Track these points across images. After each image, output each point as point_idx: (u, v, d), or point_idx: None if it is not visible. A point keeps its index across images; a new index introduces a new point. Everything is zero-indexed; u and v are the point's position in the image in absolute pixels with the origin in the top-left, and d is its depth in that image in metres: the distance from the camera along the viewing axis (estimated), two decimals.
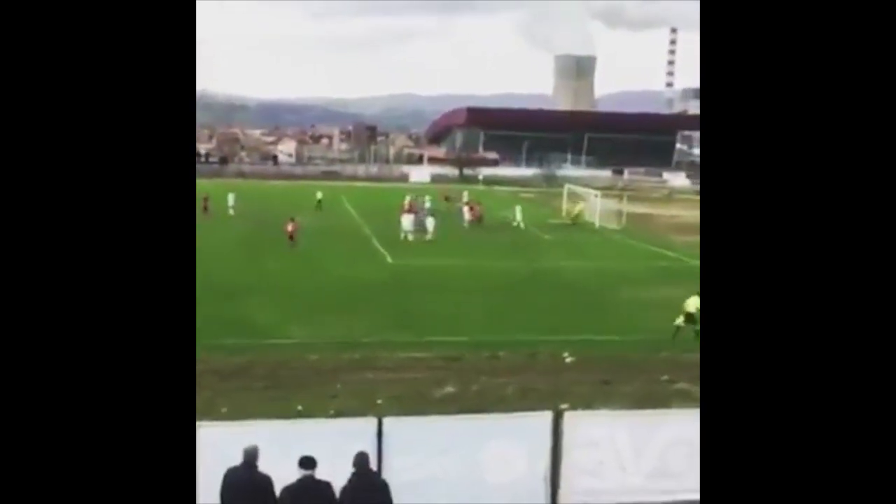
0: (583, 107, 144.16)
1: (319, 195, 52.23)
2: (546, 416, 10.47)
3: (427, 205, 46.43)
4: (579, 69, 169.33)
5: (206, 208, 42.57)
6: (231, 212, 46.64)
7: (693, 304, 20.02)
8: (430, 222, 38.61)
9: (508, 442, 10.14)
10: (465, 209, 45.87)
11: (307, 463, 7.91)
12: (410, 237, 38.07)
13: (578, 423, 10.50)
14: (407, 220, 38.81)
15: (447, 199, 50.82)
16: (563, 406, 12.52)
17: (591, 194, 51.40)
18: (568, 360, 18.72)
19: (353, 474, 8.12)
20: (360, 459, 8.20)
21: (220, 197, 47.61)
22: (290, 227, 34.94)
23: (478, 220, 44.90)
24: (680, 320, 20.40)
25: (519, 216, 45.56)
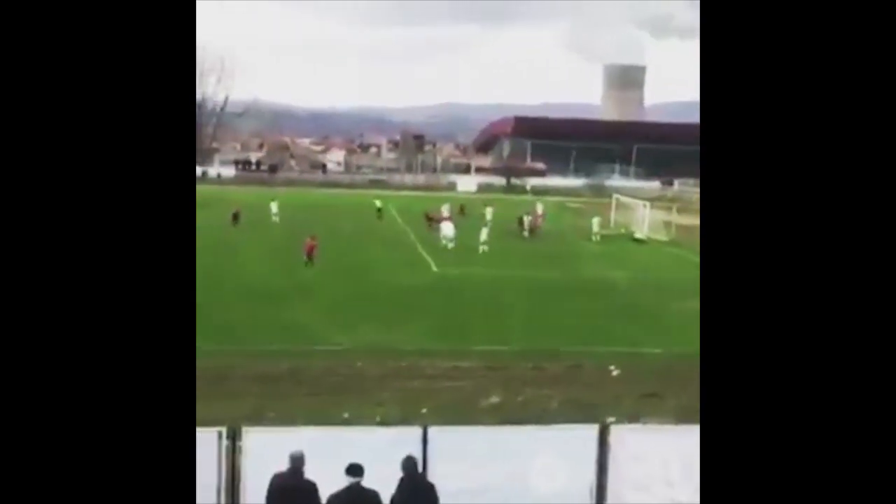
0: (631, 117, 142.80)
1: (379, 203, 53.12)
2: (592, 429, 10.36)
3: (488, 217, 46.62)
4: (628, 79, 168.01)
5: (236, 219, 42.90)
6: (275, 219, 47.15)
7: None
8: (484, 233, 38.69)
9: (554, 454, 10.05)
10: (527, 219, 45.91)
11: (355, 470, 7.93)
12: (450, 245, 38.27)
13: (625, 437, 10.37)
14: (445, 227, 39.49)
15: (461, 211, 50.86)
16: (610, 419, 12.38)
17: (639, 205, 50.89)
18: (614, 372, 18.52)
19: (402, 479, 8.17)
20: (409, 463, 8.28)
21: (264, 205, 48.31)
22: (308, 245, 32.45)
23: (531, 231, 44.81)
24: None
25: (597, 228, 45.29)
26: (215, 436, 9.65)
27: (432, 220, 43.88)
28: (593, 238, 44.43)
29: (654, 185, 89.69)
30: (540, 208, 52.95)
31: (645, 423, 13.03)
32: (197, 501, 9.60)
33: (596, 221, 45.59)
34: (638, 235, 46.70)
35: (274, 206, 48.13)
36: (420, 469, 9.49)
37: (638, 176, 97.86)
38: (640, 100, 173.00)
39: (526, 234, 44.39)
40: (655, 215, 49.02)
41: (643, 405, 15.56)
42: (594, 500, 10.16)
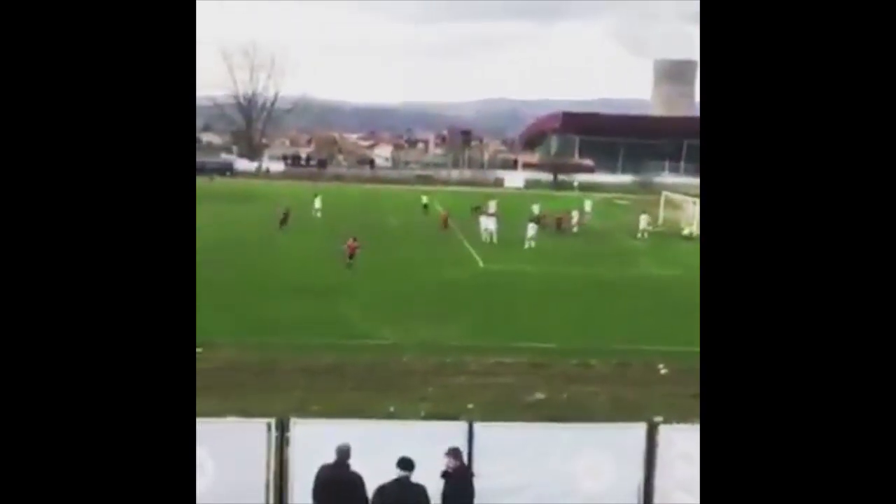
0: (682, 112, 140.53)
1: (425, 199, 53.31)
2: (640, 429, 10.25)
3: (536, 212, 46.51)
4: (679, 74, 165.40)
5: (285, 221, 41.24)
6: (318, 215, 46.78)
7: None
8: (531, 229, 38.64)
9: (601, 453, 9.97)
10: (575, 215, 46.20)
11: (406, 464, 7.99)
12: (494, 238, 38.93)
13: (673, 437, 10.23)
14: (489, 222, 40.34)
15: (475, 209, 50.04)
16: (658, 418, 12.23)
17: (689, 202, 50.15)
18: (662, 371, 18.30)
19: (450, 470, 8.30)
20: (456, 453, 8.42)
21: (310, 200, 48.59)
22: (350, 247, 31.19)
23: (557, 227, 44.49)
24: None
25: (644, 225, 45.03)
26: (264, 427, 9.78)
27: (446, 221, 43.92)
28: (640, 235, 44.01)
29: None
30: (589, 205, 52.58)
31: (694, 423, 12.84)
32: (247, 492, 9.77)
33: (644, 219, 45.12)
34: (686, 232, 46.07)
35: (317, 202, 47.69)
36: (466, 464, 9.52)
37: (688, 172, 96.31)
38: (691, 95, 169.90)
39: (574, 229, 44.20)
40: None
41: (692, 405, 15.32)
42: (641, 500, 10.05)
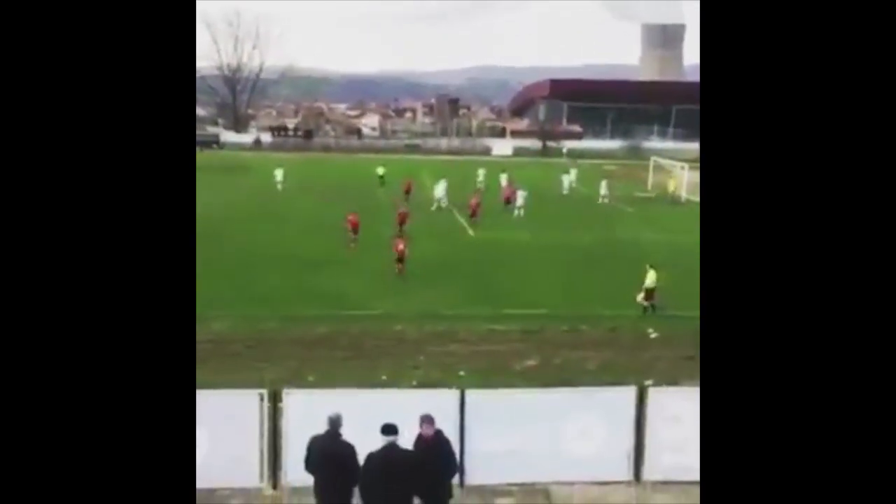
0: (671, 77, 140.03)
1: (380, 170, 48.88)
2: (630, 392, 10.36)
3: (503, 183, 46.25)
4: (667, 38, 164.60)
5: (355, 231, 30.28)
6: (279, 187, 44.99)
7: (650, 279, 20.67)
8: (520, 196, 38.55)
9: (592, 416, 10.08)
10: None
11: (390, 429, 8.07)
12: (443, 204, 39.62)
13: (663, 399, 10.35)
14: (439, 190, 40.58)
15: (408, 191, 43.16)
16: (647, 381, 12.36)
17: (677, 166, 50.18)
18: (652, 335, 18.46)
19: (419, 437, 8.35)
20: (427, 419, 8.48)
21: (302, 172, 48.16)
22: (399, 247, 25.00)
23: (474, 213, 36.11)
24: (640, 297, 20.85)
25: (604, 191, 44.89)
26: (257, 398, 9.84)
27: (404, 219, 33.75)
28: (600, 201, 43.89)
29: (693, 146, 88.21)
30: (573, 173, 51.47)
31: (683, 385, 12.99)
32: (240, 463, 9.85)
33: (604, 184, 45.10)
34: (671, 194, 46.24)
35: (279, 174, 45.44)
36: (458, 432, 9.61)
37: (677, 137, 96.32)
38: (680, 59, 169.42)
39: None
40: (694, 177, 48.27)
41: (681, 367, 15.49)
42: (631, 462, 10.19)
